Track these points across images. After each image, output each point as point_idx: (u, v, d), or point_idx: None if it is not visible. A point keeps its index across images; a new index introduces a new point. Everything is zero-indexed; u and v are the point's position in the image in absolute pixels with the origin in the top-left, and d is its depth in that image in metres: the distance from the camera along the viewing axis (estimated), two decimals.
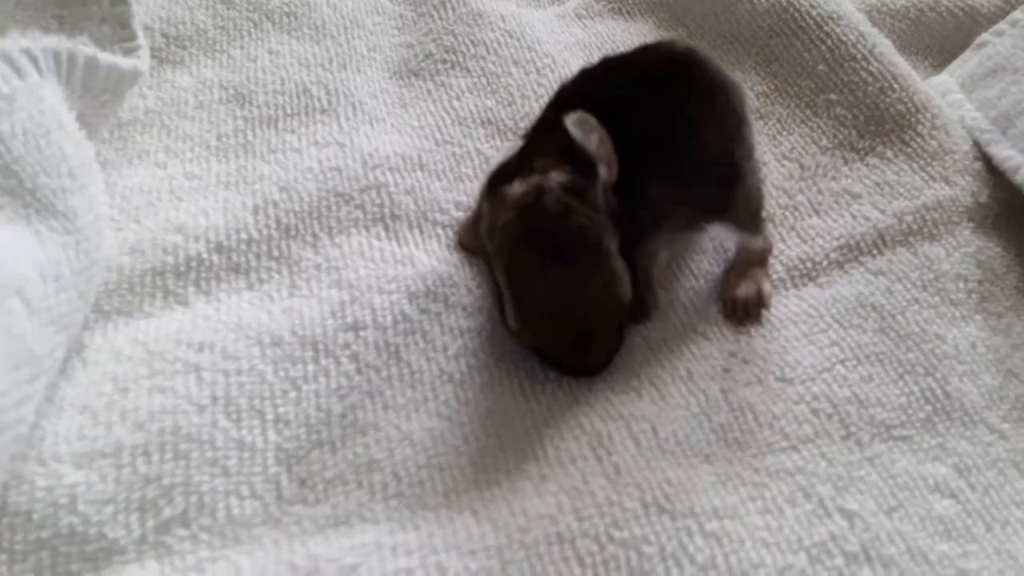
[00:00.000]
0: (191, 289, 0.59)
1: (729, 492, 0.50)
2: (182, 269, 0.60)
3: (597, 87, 0.60)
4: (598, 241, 0.52)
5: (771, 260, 0.65)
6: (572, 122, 0.53)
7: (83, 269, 0.54)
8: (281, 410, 0.52)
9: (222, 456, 0.49)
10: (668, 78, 0.59)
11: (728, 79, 0.61)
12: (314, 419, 0.52)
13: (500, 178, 0.55)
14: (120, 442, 0.49)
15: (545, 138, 0.56)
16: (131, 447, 0.49)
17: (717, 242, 0.66)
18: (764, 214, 0.63)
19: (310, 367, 0.55)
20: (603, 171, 0.52)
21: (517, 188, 0.52)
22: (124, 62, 0.67)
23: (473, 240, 0.64)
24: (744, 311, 0.60)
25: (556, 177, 0.52)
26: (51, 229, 0.53)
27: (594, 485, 0.49)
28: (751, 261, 0.63)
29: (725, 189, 0.59)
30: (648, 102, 0.57)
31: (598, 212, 0.52)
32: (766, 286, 0.62)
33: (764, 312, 0.61)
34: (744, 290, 0.61)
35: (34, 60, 0.59)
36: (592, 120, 0.53)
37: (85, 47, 0.62)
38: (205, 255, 0.61)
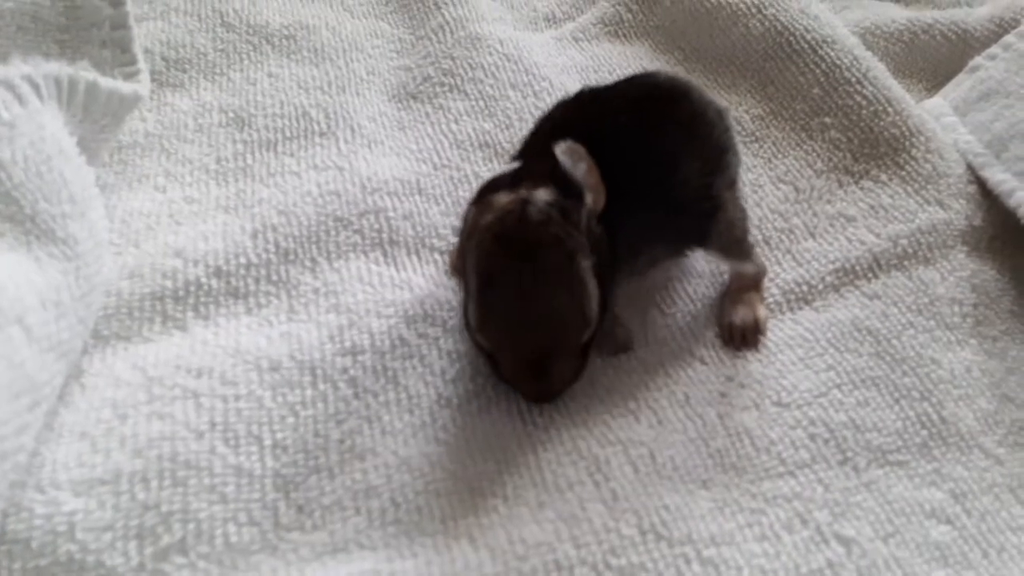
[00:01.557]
0: (190, 314, 0.59)
1: (726, 518, 0.50)
2: (181, 294, 0.60)
3: (579, 118, 0.60)
4: (573, 255, 0.51)
5: (767, 283, 0.65)
6: (561, 150, 0.53)
7: (83, 295, 0.54)
8: (279, 436, 0.52)
9: (220, 483, 0.49)
10: (649, 110, 0.60)
11: (712, 108, 0.62)
12: (312, 445, 0.52)
13: (490, 189, 0.55)
14: (119, 469, 0.49)
15: (536, 164, 0.56)
16: (130, 474, 0.49)
17: (713, 265, 0.66)
18: (751, 240, 0.63)
19: (308, 392, 0.55)
20: (589, 199, 0.52)
21: (502, 197, 0.53)
22: (125, 86, 0.67)
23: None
24: (741, 338, 0.61)
25: (543, 194, 0.52)
26: (51, 255, 0.53)
27: (591, 511, 0.50)
28: (745, 286, 0.63)
29: (705, 220, 0.59)
30: (629, 134, 0.57)
31: (579, 231, 0.52)
32: (762, 312, 0.62)
33: (760, 337, 0.61)
34: (741, 316, 0.61)
35: (35, 87, 0.59)
36: (581, 149, 0.54)
37: (86, 72, 0.63)
38: (204, 280, 0.61)
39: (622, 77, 0.65)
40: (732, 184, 0.63)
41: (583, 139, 0.54)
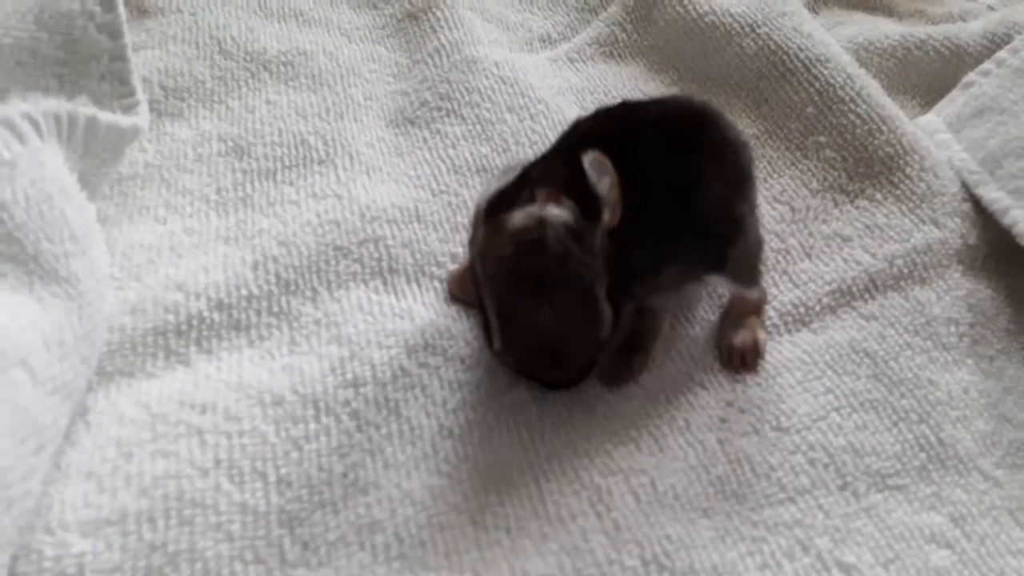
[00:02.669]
0: (192, 348, 0.60)
1: (728, 547, 0.51)
2: (183, 328, 0.60)
3: (611, 129, 0.60)
4: (591, 288, 0.53)
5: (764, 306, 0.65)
6: (588, 161, 0.54)
7: (86, 334, 0.54)
8: (283, 471, 0.53)
9: (226, 520, 0.50)
10: (680, 131, 0.60)
11: (738, 137, 0.62)
12: (316, 479, 0.53)
13: (499, 203, 0.55)
14: (125, 509, 0.49)
15: (550, 169, 0.57)
16: (136, 514, 0.49)
17: (712, 288, 0.66)
18: (761, 267, 0.64)
19: (311, 426, 0.55)
20: (607, 215, 0.53)
21: (518, 219, 0.52)
22: (124, 120, 0.67)
23: (466, 292, 0.64)
24: (740, 360, 0.61)
25: (558, 213, 0.52)
26: (54, 295, 0.54)
27: (594, 543, 0.50)
28: (746, 310, 0.63)
29: (724, 244, 0.60)
30: (658, 152, 0.58)
31: (594, 255, 0.53)
32: (761, 335, 0.62)
33: (759, 360, 0.62)
34: (740, 339, 0.62)
35: (35, 124, 0.59)
36: (607, 162, 0.54)
37: (85, 108, 0.63)
38: (206, 313, 0.61)
39: (655, 96, 0.65)
40: (752, 211, 0.63)
41: (612, 151, 0.55)
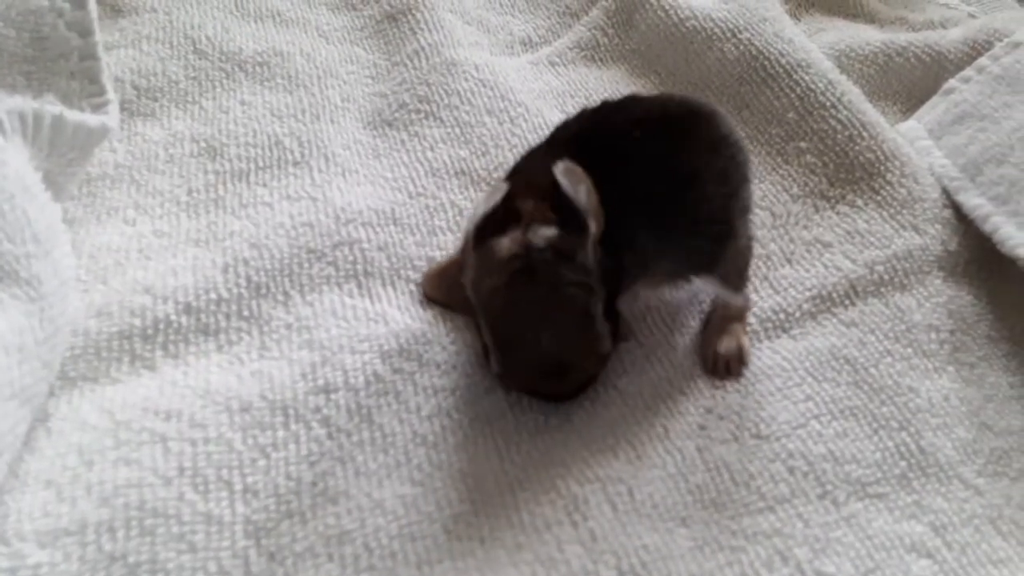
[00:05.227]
0: (159, 353, 0.58)
1: (706, 557, 0.50)
2: (150, 332, 0.59)
3: (603, 127, 0.59)
4: (587, 308, 0.53)
5: None
6: (560, 172, 0.53)
7: (47, 337, 0.53)
8: (250, 480, 0.51)
9: (189, 531, 0.48)
10: (677, 128, 0.59)
11: (737, 138, 0.61)
12: (284, 488, 0.51)
13: (487, 226, 0.54)
14: (85, 519, 0.47)
15: (538, 175, 0.56)
16: (96, 524, 0.47)
17: (692, 294, 0.65)
18: (748, 273, 0.63)
19: (280, 433, 0.54)
20: (592, 227, 0.52)
21: (506, 246, 0.52)
22: (92, 119, 0.66)
23: (440, 292, 0.63)
24: (725, 367, 0.60)
25: (545, 234, 0.52)
26: (14, 297, 0.52)
27: (569, 553, 0.49)
28: (729, 316, 0.62)
29: (716, 245, 0.59)
30: (654, 150, 0.57)
31: (587, 272, 0.52)
32: (745, 342, 0.61)
33: (744, 367, 0.61)
34: (725, 346, 0.61)
35: None
36: (579, 170, 0.53)
37: (51, 106, 0.62)
38: (174, 317, 0.60)
39: (655, 94, 0.62)
40: (745, 214, 0.61)
41: (605, 147, 0.55)
